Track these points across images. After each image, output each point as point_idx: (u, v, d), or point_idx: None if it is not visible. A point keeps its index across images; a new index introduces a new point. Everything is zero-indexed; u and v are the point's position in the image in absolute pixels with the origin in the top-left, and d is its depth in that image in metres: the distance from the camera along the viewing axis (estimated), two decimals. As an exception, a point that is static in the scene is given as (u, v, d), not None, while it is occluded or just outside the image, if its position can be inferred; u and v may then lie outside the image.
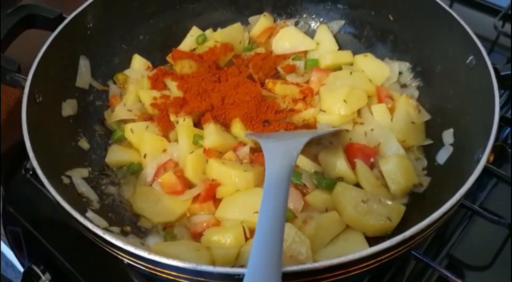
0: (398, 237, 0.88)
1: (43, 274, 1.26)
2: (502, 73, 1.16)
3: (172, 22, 1.58)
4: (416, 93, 1.43)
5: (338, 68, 1.49)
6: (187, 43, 1.55)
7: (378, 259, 0.89)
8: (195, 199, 1.23)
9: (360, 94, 1.36)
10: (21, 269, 1.33)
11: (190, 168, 1.26)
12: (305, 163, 1.26)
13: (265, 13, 1.64)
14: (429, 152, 1.31)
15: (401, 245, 0.90)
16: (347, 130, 1.33)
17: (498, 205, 1.30)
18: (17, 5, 1.33)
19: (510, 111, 1.47)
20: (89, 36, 1.39)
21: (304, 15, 1.65)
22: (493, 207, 1.28)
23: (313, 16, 1.64)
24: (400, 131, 1.30)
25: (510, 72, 1.17)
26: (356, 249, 0.95)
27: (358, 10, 1.56)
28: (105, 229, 1.05)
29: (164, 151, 1.31)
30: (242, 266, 1.06)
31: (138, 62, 1.51)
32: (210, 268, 0.85)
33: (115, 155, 1.33)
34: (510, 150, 1.03)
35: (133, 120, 1.38)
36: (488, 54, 1.20)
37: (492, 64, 1.16)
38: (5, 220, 1.37)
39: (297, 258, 1.05)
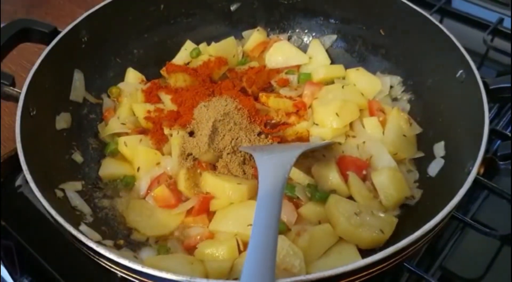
0: (390, 249, 0.89)
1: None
2: (491, 87, 1.18)
3: (166, 36, 1.59)
4: (408, 107, 1.44)
5: (330, 82, 1.50)
6: (181, 57, 1.57)
7: (370, 270, 0.90)
8: (189, 212, 1.23)
9: (352, 107, 1.37)
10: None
11: (183, 181, 1.26)
12: (298, 176, 1.27)
13: (258, 27, 1.66)
14: (421, 164, 1.32)
15: (393, 257, 0.90)
16: (339, 143, 1.34)
17: (490, 216, 1.31)
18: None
19: (500, 124, 1.49)
20: (83, 50, 1.40)
21: (297, 30, 1.67)
22: (484, 218, 1.29)
23: (306, 31, 1.66)
24: (391, 144, 1.31)
25: (499, 86, 1.18)
26: (349, 262, 0.95)
27: (350, 25, 1.58)
28: (98, 243, 1.05)
29: (158, 164, 1.31)
30: (236, 279, 1.06)
31: (132, 76, 1.52)
32: (204, 281, 0.85)
33: (109, 168, 1.33)
34: (500, 163, 1.04)
35: (127, 134, 1.38)
36: (478, 68, 1.22)
37: (482, 78, 1.18)
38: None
39: (290, 270, 1.05)
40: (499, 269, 1.23)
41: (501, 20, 1.75)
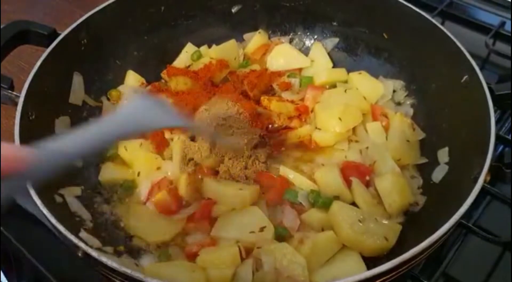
0: (398, 259, 0.88)
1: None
2: (497, 93, 1.17)
3: (166, 38, 1.57)
4: (411, 111, 1.43)
5: (332, 85, 1.49)
6: (182, 59, 1.55)
7: (378, 281, 0.88)
8: (190, 218, 1.22)
9: (355, 112, 1.36)
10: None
11: (184, 186, 1.24)
12: (301, 181, 1.26)
13: (259, 30, 1.64)
14: (425, 170, 1.31)
15: (400, 267, 0.90)
16: (342, 149, 1.33)
17: (492, 222, 1.30)
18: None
19: (502, 130, 1.48)
20: (83, 53, 1.38)
21: (299, 33, 1.65)
22: (486, 225, 1.28)
23: (308, 34, 1.65)
24: (395, 149, 1.30)
25: (504, 92, 1.17)
26: (353, 270, 0.94)
27: (352, 28, 1.57)
28: (99, 249, 1.04)
29: (158, 168, 1.30)
30: (238, 287, 1.05)
31: (132, 79, 1.50)
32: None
33: (108, 173, 1.31)
34: (508, 170, 1.04)
35: (127, 138, 1.36)
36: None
37: (487, 83, 1.17)
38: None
39: (294, 278, 1.04)
40: (501, 275, 1.22)
41: (503, 24, 1.74)
